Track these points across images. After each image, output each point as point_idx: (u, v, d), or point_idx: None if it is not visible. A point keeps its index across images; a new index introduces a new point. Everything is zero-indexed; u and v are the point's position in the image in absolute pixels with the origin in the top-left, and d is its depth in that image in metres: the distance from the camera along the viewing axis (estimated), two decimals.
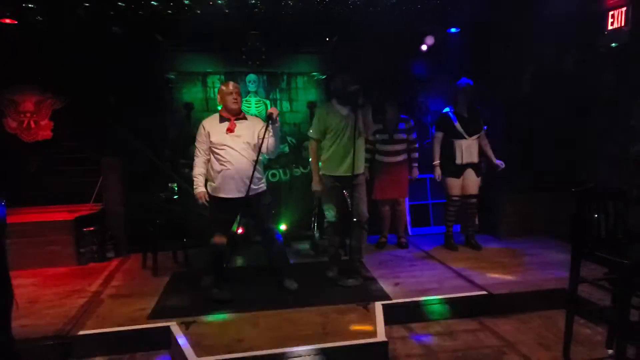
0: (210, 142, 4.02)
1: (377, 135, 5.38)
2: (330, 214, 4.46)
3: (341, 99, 4.35)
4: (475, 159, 5.31)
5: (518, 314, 4.06)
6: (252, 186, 4.00)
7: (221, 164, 3.99)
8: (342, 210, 4.43)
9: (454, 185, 5.38)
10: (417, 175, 5.58)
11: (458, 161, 5.28)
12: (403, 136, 5.43)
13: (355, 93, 4.16)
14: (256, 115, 5.29)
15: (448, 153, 5.34)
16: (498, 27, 5.80)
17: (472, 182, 5.35)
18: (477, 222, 5.65)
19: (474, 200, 5.44)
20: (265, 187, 4.26)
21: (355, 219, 4.37)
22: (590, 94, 5.26)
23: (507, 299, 4.12)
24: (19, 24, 5.14)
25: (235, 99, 4.05)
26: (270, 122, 3.93)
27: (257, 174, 4.08)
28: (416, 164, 5.54)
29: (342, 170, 4.33)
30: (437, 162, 5.38)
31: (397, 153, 5.45)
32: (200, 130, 4.09)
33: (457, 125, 5.23)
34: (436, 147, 5.39)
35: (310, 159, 4.54)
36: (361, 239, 4.51)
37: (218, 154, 4.01)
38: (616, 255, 2.98)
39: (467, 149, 5.27)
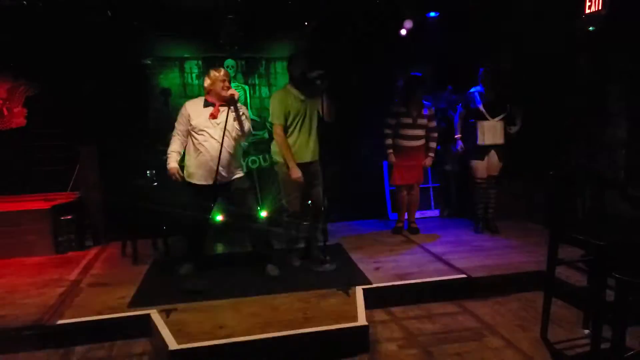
0: (191, 125, 4.00)
1: (401, 119, 5.32)
2: (293, 204, 4.45)
3: (301, 83, 4.29)
4: (499, 140, 5.34)
5: (497, 297, 4.11)
6: (228, 173, 4.03)
7: (198, 150, 3.98)
8: (309, 198, 4.44)
9: (479, 167, 5.40)
10: (430, 164, 5.54)
11: (480, 142, 5.31)
12: (425, 121, 5.38)
13: (318, 78, 4.13)
14: None
15: (471, 134, 5.37)
16: (475, 10, 5.80)
17: (493, 164, 5.39)
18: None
19: (494, 181, 5.48)
20: (242, 173, 4.23)
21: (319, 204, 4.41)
22: (567, 78, 5.31)
23: (486, 282, 4.17)
24: None
25: (227, 86, 4.02)
26: (231, 104, 3.92)
27: (234, 161, 4.07)
28: (432, 154, 5.48)
29: (308, 157, 4.34)
30: (458, 135, 5.51)
31: (418, 138, 5.39)
32: (182, 111, 4.08)
33: (480, 106, 5.26)
34: (458, 122, 5.51)
35: (276, 148, 4.41)
36: (318, 225, 4.54)
37: (197, 139, 4.00)
38: (592, 237, 3.02)
39: (490, 130, 5.29)
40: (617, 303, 2.78)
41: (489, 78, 5.27)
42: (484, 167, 5.41)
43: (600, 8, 4.68)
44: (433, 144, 5.48)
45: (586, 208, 3.35)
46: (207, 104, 4.05)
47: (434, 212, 6.45)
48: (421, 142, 5.43)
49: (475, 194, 5.54)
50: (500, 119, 5.31)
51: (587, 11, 4.84)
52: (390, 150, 5.40)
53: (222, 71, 4.07)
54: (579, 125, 5.24)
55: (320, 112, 4.30)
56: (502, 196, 5.66)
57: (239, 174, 4.18)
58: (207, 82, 4.06)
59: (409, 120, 5.32)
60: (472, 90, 5.41)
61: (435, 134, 5.47)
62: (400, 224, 5.70)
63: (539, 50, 5.52)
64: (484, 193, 5.50)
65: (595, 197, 3.36)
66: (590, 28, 4.84)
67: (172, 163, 4.07)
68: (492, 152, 5.37)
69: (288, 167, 4.32)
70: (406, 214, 5.73)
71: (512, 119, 5.34)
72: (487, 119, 5.28)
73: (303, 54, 4.51)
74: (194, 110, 4.04)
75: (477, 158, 5.40)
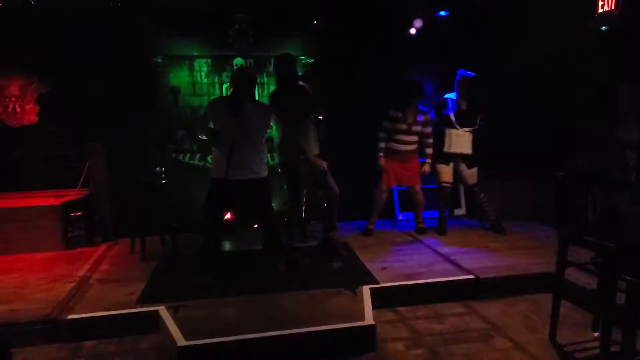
0: (214, 121, 4.07)
1: (396, 124, 5.31)
2: (296, 203, 4.52)
3: (287, 87, 4.39)
4: (466, 150, 5.33)
5: (505, 298, 4.09)
6: (246, 171, 4.06)
7: (222, 145, 4.01)
8: (322, 188, 4.51)
9: (444, 171, 5.41)
10: (429, 171, 5.51)
11: (446, 149, 5.32)
12: (419, 128, 5.37)
13: (304, 79, 4.37)
14: None
15: (439, 140, 5.35)
16: (485, 10, 5.77)
17: (467, 173, 5.39)
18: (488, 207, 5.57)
19: (476, 189, 5.46)
20: (266, 174, 4.25)
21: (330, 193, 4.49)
22: (578, 77, 5.27)
23: (494, 283, 4.15)
24: (3, 7, 5.02)
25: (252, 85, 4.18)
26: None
27: (253, 160, 4.10)
28: (429, 160, 5.47)
29: (314, 151, 4.42)
30: None
31: (412, 143, 5.40)
32: (207, 108, 4.23)
33: (451, 114, 5.25)
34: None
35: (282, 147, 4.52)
36: (334, 211, 4.60)
37: (219, 134, 4.05)
38: (602, 239, 3.00)
39: (457, 139, 5.29)
40: (627, 306, 2.76)
41: (464, 86, 5.23)
42: (449, 171, 5.41)
43: (613, 7, 4.64)
44: (429, 150, 5.47)
45: (596, 210, 3.32)
46: (231, 101, 4.11)
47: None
48: (414, 146, 5.44)
49: (438, 196, 5.56)
50: (469, 130, 5.31)
51: (600, 10, 4.80)
52: (381, 154, 5.38)
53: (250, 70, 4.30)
54: (590, 125, 5.19)
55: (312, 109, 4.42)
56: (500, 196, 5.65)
57: (259, 175, 4.18)
58: (233, 80, 4.20)
59: (404, 127, 5.32)
60: (446, 96, 5.40)
61: (431, 140, 5.45)
62: (371, 227, 5.61)
63: (550, 50, 5.47)
64: (447, 197, 5.53)
65: (606, 198, 3.33)
66: (603, 27, 4.80)
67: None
68: (459, 161, 5.37)
69: (294, 164, 4.37)
70: (413, 214, 5.72)
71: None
72: (455, 128, 5.27)
73: (289, 57, 4.54)
74: (218, 107, 4.14)
75: (442, 162, 5.42)
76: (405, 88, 5.30)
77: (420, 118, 5.35)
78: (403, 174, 5.45)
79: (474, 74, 5.22)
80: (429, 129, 5.42)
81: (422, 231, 5.57)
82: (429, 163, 5.48)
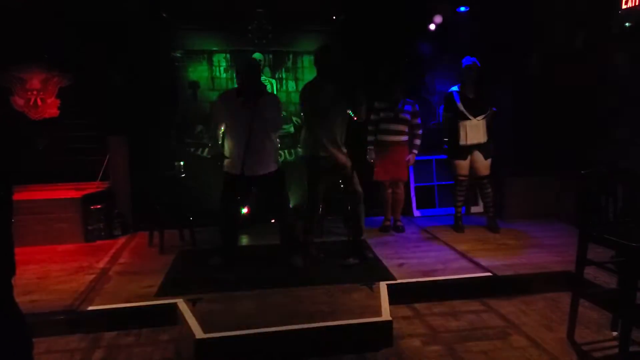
0: (226, 116, 4.08)
1: (382, 114, 5.33)
2: (315, 198, 4.46)
3: (331, 76, 4.20)
4: (482, 139, 5.26)
5: (522, 296, 4.06)
6: (259, 166, 4.04)
7: (231, 140, 4.03)
8: (344, 189, 4.46)
9: (462, 165, 5.35)
10: (413, 161, 5.51)
11: (462, 142, 5.25)
12: (407, 117, 5.36)
13: (354, 71, 4.25)
14: None
15: (454, 134, 5.30)
16: (506, 4, 5.71)
17: (481, 164, 5.31)
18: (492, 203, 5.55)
19: (486, 181, 5.40)
20: (277, 167, 4.26)
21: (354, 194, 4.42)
22: (602, 75, 5.19)
23: (511, 281, 4.12)
24: (26, 1, 5.10)
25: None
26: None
27: (265, 155, 4.10)
28: (415, 151, 5.46)
29: (341, 148, 4.36)
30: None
31: (400, 133, 5.37)
32: (216, 105, 4.23)
33: (460, 105, 5.20)
34: (446, 127, 5.46)
35: (307, 142, 4.39)
36: (361, 214, 4.50)
37: (230, 128, 4.09)
38: (624, 238, 2.96)
39: (472, 130, 5.21)
40: None
41: (469, 74, 5.17)
42: (467, 165, 5.34)
43: (638, 3, 4.57)
44: (417, 141, 5.45)
45: (618, 208, 3.27)
46: (240, 95, 4.12)
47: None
48: (404, 137, 5.39)
49: (456, 191, 5.50)
50: (482, 118, 5.24)
51: (624, 6, 4.72)
52: (371, 147, 5.39)
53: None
54: (613, 123, 5.11)
55: (351, 112, 4.30)
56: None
57: (272, 169, 4.21)
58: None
59: (392, 114, 5.31)
60: (450, 90, 5.34)
61: (420, 131, 5.44)
62: (387, 223, 5.62)
63: (573, 46, 5.40)
64: (465, 191, 5.49)
65: (628, 197, 3.28)
66: (627, 24, 4.72)
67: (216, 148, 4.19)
68: (476, 153, 5.29)
69: (317, 160, 4.33)
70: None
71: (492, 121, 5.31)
72: (469, 119, 5.21)
73: (331, 46, 4.48)
74: (227, 101, 4.14)
75: (459, 158, 5.34)
76: (386, 77, 5.37)
77: (410, 108, 5.36)
78: (391, 168, 5.41)
79: (475, 59, 5.16)
80: (417, 120, 5.43)
81: (400, 229, 5.54)
82: (414, 153, 5.47)
